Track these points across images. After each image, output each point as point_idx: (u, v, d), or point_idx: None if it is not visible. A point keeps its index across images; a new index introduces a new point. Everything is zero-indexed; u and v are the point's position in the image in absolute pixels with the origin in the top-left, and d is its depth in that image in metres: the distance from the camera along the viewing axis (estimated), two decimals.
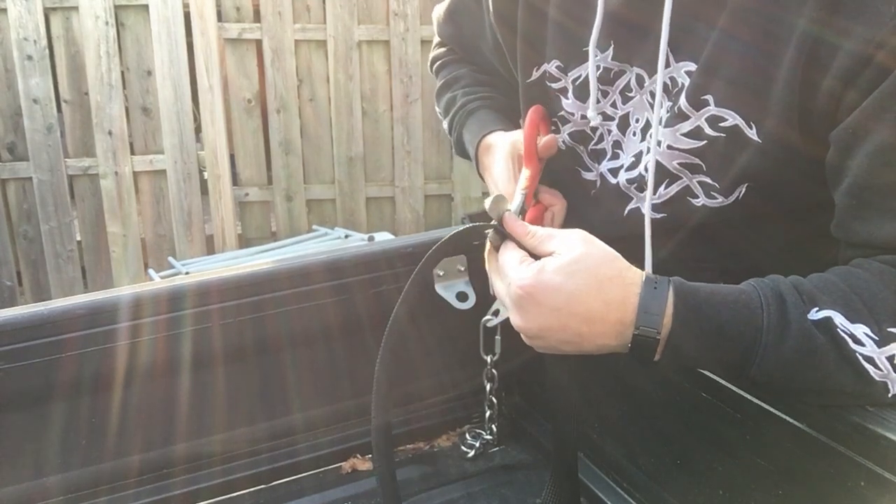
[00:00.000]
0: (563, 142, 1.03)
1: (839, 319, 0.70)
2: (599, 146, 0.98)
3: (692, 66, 0.83)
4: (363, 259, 1.14)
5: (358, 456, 1.19)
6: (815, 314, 0.70)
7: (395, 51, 3.92)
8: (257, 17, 3.79)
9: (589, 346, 0.75)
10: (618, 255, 0.75)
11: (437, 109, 1.29)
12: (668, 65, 0.86)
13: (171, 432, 1.07)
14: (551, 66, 0.99)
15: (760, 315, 0.70)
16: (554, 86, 1.00)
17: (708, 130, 0.83)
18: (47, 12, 3.61)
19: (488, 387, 1.14)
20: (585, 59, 0.94)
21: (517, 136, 1.05)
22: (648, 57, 0.88)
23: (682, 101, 0.84)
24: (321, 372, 1.16)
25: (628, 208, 0.95)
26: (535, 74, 1.01)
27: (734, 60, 0.79)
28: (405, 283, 1.16)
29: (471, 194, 4.07)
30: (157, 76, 3.68)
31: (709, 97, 0.82)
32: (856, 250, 0.76)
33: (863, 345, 0.69)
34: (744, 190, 0.84)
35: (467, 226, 0.85)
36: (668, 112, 0.87)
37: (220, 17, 3.75)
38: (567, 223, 1.06)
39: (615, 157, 0.96)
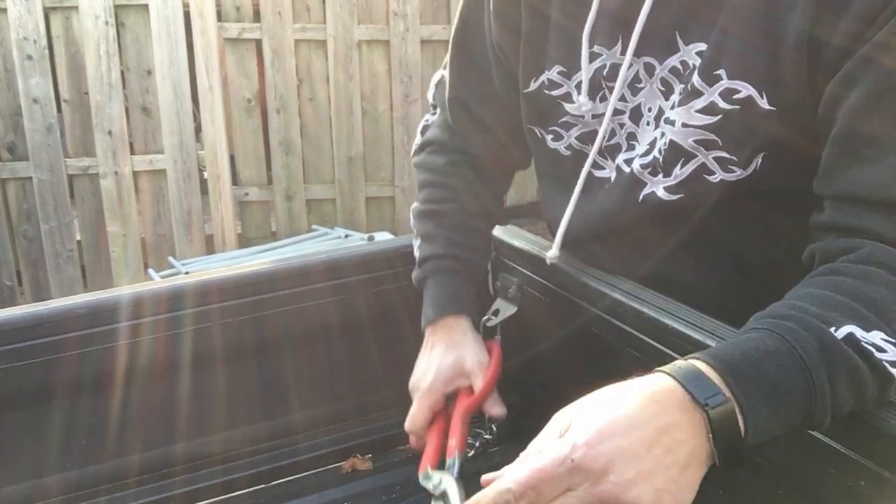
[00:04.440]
0: (570, 145, 1.01)
1: (860, 333, 0.67)
2: (612, 141, 0.97)
3: (702, 47, 0.84)
4: (363, 259, 1.14)
5: (358, 456, 1.19)
6: (836, 333, 0.67)
7: (394, 51, 3.92)
8: (257, 16, 3.79)
9: (685, 458, 0.60)
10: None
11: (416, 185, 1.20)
12: (677, 50, 0.86)
13: (171, 432, 1.07)
14: (552, 73, 0.98)
15: (796, 355, 0.65)
16: (554, 93, 0.99)
17: (722, 104, 0.83)
18: (47, 12, 3.61)
19: None
20: (591, 60, 0.94)
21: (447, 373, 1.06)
22: (659, 44, 0.88)
23: (695, 78, 0.84)
24: (321, 372, 1.16)
25: (643, 193, 0.94)
26: (533, 85, 1.01)
27: (743, 32, 0.80)
28: (405, 283, 1.16)
29: None
30: (157, 76, 3.68)
31: (721, 71, 0.82)
32: (832, 209, 0.76)
33: (884, 351, 0.67)
34: (760, 160, 0.84)
35: None
36: (680, 94, 0.87)
37: (219, 17, 3.75)
38: (583, 218, 1.03)
39: (631, 148, 0.96)
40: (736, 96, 0.81)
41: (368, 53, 3.93)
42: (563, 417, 0.64)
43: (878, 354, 0.67)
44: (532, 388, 1.28)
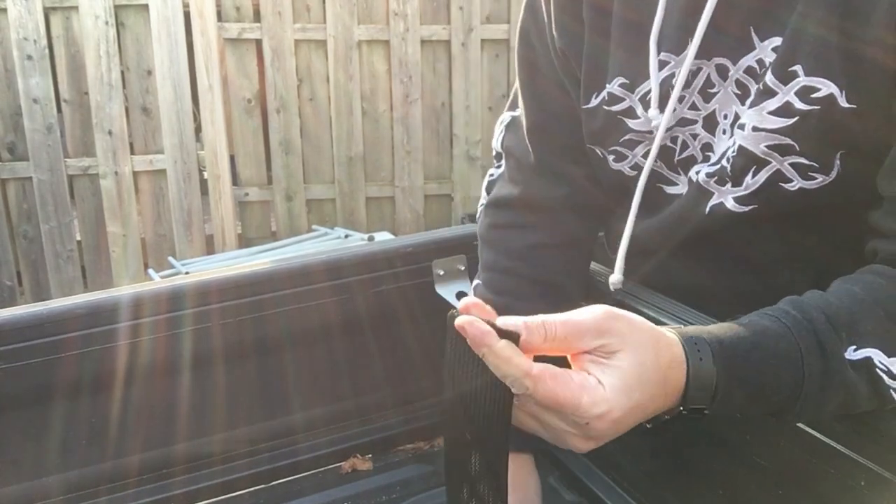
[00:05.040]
0: (636, 164, 0.92)
1: (879, 358, 0.67)
2: (685, 154, 0.89)
3: (778, 42, 0.76)
4: (363, 259, 1.14)
5: (358, 456, 1.19)
6: (854, 354, 0.67)
7: (394, 51, 3.92)
8: (257, 16, 3.79)
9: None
10: (653, 326, 0.65)
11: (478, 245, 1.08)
12: (753, 47, 0.79)
13: (171, 432, 1.07)
14: (613, 86, 0.89)
15: (800, 367, 0.66)
16: (615, 108, 0.90)
17: (799, 105, 0.75)
18: (47, 12, 3.61)
19: None
20: (658, 69, 0.86)
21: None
22: (730, 44, 0.80)
23: (769, 76, 0.76)
24: (321, 372, 1.16)
25: (710, 204, 0.86)
26: (594, 101, 0.92)
27: (821, 25, 0.73)
28: (405, 283, 1.16)
29: (471, 194, 4.07)
30: (157, 76, 3.68)
31: (797, 67, 0.74)
32: (891, 204, 0.73)
33: None
34: (838, 161, 0.77)
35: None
36: (754, 95, 0.80)
37: (220, 17, 3.75)
38: (645, 233, 0.95)
39: (706, 160, 0.87)
40: (815, 95, 0.74)
41: (368, 53, 3.93)
42: (619, 351, 0.62)
43: (887, 381, 0.67)
44: None
